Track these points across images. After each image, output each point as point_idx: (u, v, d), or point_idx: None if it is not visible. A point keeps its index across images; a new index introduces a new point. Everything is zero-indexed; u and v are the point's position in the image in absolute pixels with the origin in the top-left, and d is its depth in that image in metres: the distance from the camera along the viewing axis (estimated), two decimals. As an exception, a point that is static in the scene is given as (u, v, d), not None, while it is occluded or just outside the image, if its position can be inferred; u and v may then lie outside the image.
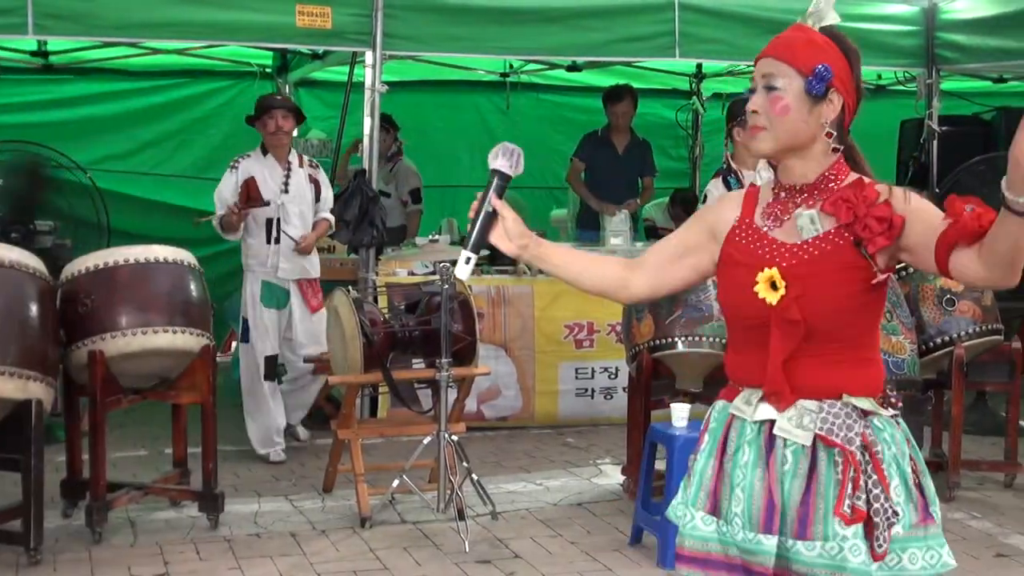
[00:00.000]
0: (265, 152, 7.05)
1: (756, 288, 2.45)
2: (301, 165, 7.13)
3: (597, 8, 7.58)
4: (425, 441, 5.86)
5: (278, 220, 6.93)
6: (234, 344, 8.99)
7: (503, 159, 2.54)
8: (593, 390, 7.76)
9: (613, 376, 7.71)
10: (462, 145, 10.63)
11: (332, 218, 7.22)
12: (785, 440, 2.47)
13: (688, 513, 2.58)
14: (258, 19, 7.02)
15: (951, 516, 5.89)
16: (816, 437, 2.44)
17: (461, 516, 5.47)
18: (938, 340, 6.10)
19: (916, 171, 8.79)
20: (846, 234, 2.43)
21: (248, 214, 6.79)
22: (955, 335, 6.09)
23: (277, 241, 6.94)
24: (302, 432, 7.45)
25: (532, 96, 10.72)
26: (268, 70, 9.93)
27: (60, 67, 9.42)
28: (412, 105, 9.56)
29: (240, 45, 8.61)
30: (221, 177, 6.93)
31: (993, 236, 2.27)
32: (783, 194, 2.55)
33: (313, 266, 7.13)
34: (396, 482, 5.73)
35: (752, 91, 2.51)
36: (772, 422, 2.48)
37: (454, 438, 5.64)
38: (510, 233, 2.56)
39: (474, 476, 5.72)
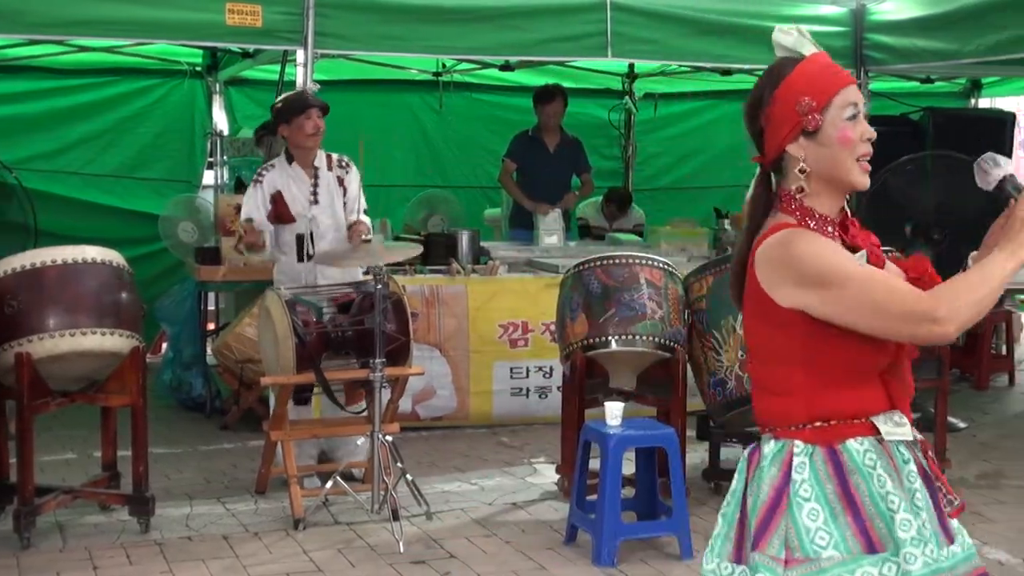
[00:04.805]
0: (291, 160, 6.31)
1: None
2: (330, 168, 6.38)
3: (530, 8, 7.59)
4: (359, 442, 5.84)
5: (310, 235, 6.28)
6: (164, 345, 8.92)
7: (992, 169, 2.51)
8: (528, 389, 7.76)
9: (547, 375, 7.71)
10: (395, 145, 10.60)
11: (368, 220, 6.53)
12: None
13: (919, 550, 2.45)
14: (187, 17, 6.93)
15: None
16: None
17: (395, 516, 5.45)
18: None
19: (845, 170, 8.88)
20: None
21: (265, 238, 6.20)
22: (884, 333, 6.15)
23: (310, 258, 6.26)
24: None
25: (465, 95, 10.72)
26: (198, 68, 9.84)
27: (-15, 65, 9.29)
28: (344, 104, 9.48)
29: (169, 43, 8.52)
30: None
31: None
32: (830, 229, 2.54)
33: (354, 278, 6.35)
34: (330, 483, 5.71)
35: (855, 118, 2.52)
36: (908, 441, 2.54)
37: (388, 438, 5.63)
38: None
39: (408, 476, 5.71)
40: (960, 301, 2.33)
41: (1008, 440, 7.58)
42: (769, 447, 2.51)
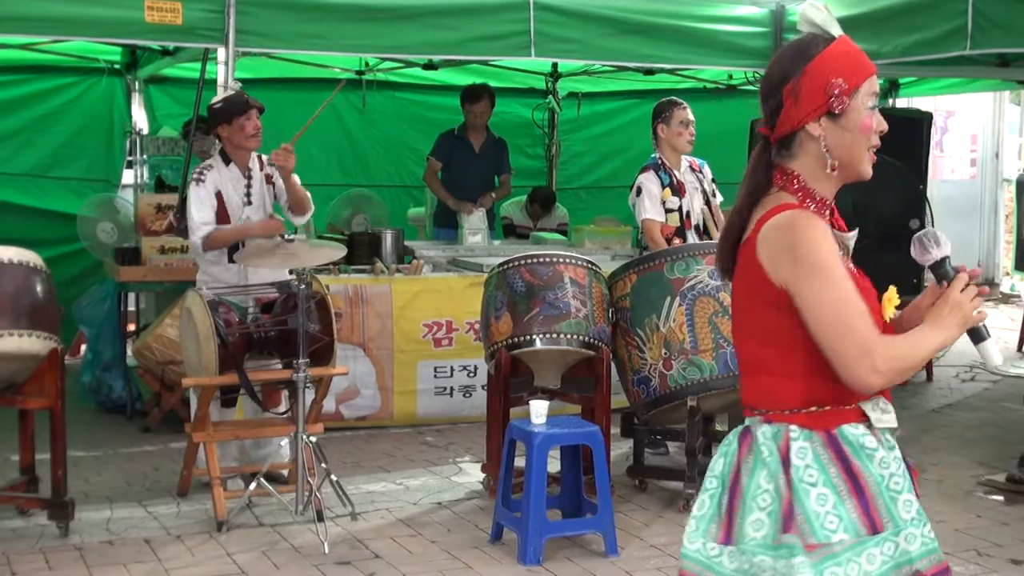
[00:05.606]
0: (227, 161, 6.27)
1: (884, 308, 2.54)
2: (261, 168, 6.39)
3: (453, 6, 7.58)
4: (283, 443, 5.80)
5: None
6: (83, 347, 8.79)
7: (933, 248, 2.52)
8: (452, 388, 7.75)
9: (472, 374, 7.72)
10: (318, 144, 10.52)
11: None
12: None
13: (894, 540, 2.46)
14: (106, 13, 6.82)
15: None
16: None
17: (320, 517, 5.42)
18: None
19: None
20: None
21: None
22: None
23: None
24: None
25: (388, 94, 10.68)
26: (117, 66, 9.70)
27: None
28: (266, 103, 9.38)
29: (87, 40, 8.40)
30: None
31: None
32: (827, 213, 2.56)
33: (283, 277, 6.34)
34: (253, 484, 5.66)
35: (874, 109, 2.50)
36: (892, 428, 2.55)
37: (312, 439, 5.59)
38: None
39: (333, 477, 5.68)
40: (894, 362, 2.37)
41: (926, 435, 7.70)
42: (763, 431, 2.48)
